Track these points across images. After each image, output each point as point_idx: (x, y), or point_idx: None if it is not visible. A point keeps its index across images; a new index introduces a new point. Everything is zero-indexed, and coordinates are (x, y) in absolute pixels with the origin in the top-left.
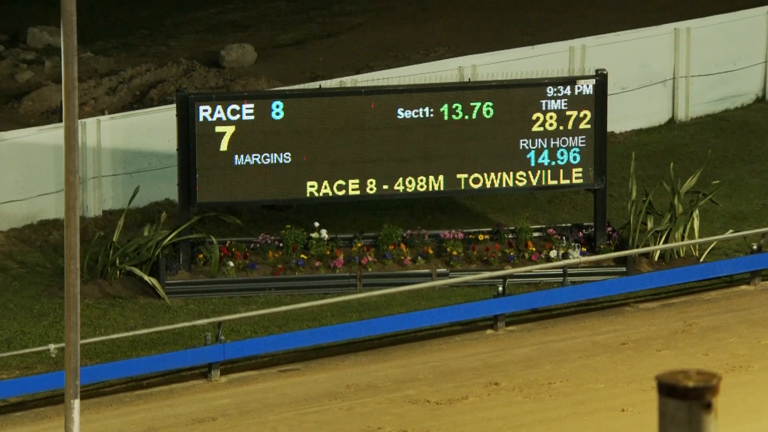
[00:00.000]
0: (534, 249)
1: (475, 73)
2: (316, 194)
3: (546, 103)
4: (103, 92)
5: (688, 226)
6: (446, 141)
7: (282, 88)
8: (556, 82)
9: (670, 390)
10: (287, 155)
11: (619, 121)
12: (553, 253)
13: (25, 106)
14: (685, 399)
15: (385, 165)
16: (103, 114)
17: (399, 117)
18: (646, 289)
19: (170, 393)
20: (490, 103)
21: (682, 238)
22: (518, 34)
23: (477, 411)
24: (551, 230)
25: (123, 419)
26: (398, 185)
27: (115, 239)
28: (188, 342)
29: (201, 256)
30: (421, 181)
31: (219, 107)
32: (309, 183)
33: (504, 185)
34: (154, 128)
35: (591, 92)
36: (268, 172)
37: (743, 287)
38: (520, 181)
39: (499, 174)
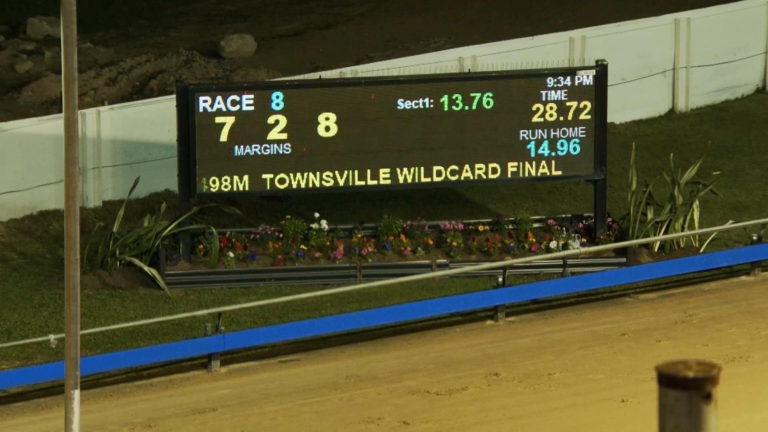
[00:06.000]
0: (534, 240)
1: (475, 64)
2: (316, 185)
3: (546, 94)
4: (102, 83)
5: (688, 217)
6: (446, 132)
7: (282, 78)
8: (556, 72)
9: (670, 380)
10: (287, 146)
11: (619, 112)
12: (553, 244)
13: (25, 97)
14: (685, 389)
15: (385, 156)
16: (103, 105)
17: (399, 108)
18: (646, 279)
19: (170, 383)
20: (490, 94)
21: (682, 229)
22: (518, 24)
23: (477, 401)
24: (551, 221)
25: (123, 410)
26: (398, 176)
27: (115, 230)
28: (188, 333)
29: (201, 246)
30: (421, 171)
31: (219, 98)
32: (309, 174)
33: (504, 176)
34: (154, 119)
35: (591, 83)
36: (268, 163)
37: (743, 278)
38: (520, 171)
39: (499, 165)
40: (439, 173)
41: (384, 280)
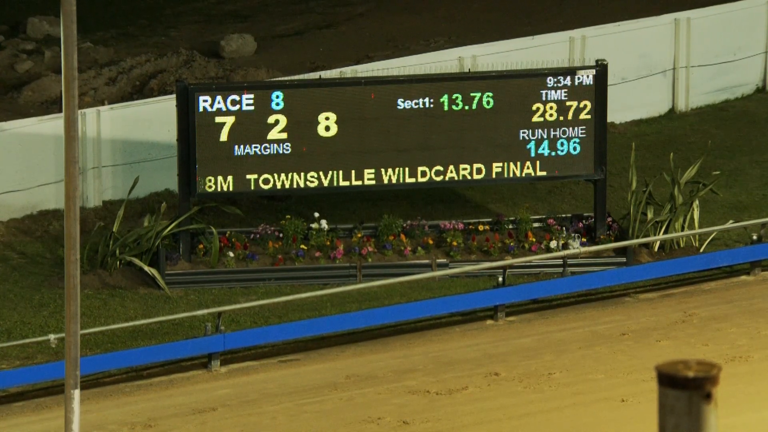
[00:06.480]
0: (534, 239)
1: (475, 64)
2: (316, 185)
3: (546, 94)
4: (102, 82)
5: (688, 217)
6: (446, 131)
7: (282, 78)
8: (556, 72)
9: (670, 380)
10: (287, 146)
11: (619, 112)
12: (553, 244)
13: (25, 97)
14: (685, 389)
15: (385, 155)
16: (103, 104)
17: (399, 107)
18: (646, 279)
19: (170, 383)
20: (490, 94)
21: (682, 229)
22: (518, 24)
23: (477, 401)
24: (551, 221)
25: (123, 409)
26: (398, 176)
27: (115, 230)
28: (188, 332)
29: (201, 246)
30: (421, 171)
31: (219, 97)
32: (309, 173)
33: (504, 176)
34: (154, 119)
35: (591, 82)
36: (268, 163)
37: (743, 278)
38: (520, 171)
39: (499, 164)
40: (439, 173)
41: (384, 280)
